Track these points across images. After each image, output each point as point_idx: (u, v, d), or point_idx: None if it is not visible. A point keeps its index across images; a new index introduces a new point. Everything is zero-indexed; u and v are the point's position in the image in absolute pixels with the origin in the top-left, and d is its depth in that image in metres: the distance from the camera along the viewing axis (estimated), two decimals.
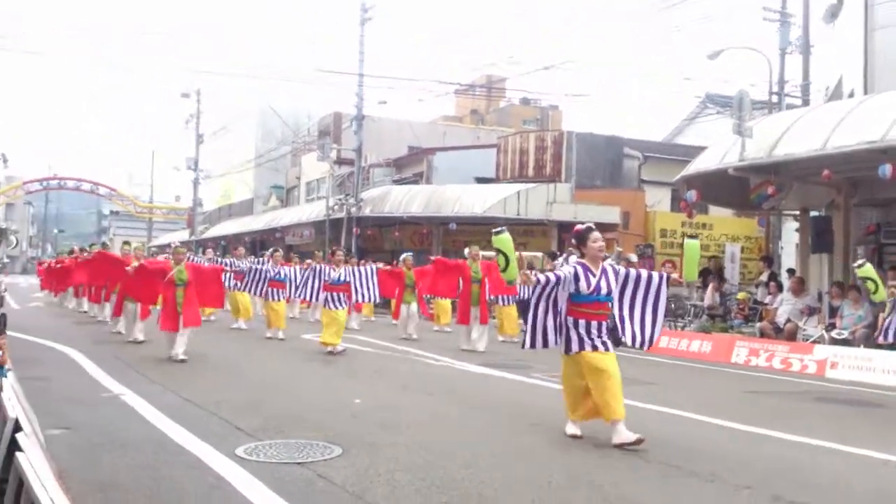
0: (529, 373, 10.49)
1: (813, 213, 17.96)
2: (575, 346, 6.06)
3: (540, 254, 21.65)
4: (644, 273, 6.40)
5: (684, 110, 41.68)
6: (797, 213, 18.81)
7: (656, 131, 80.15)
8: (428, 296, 16.51)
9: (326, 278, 12.16)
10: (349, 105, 30.07)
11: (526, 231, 26.26)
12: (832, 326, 12.97)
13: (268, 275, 14.73)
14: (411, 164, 33.34)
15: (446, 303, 17.26)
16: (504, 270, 6.55)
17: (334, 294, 12.04)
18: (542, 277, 6.10)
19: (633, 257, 14.42)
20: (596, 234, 6.16)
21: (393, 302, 16.56)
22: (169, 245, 22.42)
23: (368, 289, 12.51)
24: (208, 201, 52.95)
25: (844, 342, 12.39)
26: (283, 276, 14.56)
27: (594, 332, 6.05)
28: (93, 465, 5.14)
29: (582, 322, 6.08)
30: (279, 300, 14.54)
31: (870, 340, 12.16)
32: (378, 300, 13.71)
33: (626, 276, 6.31)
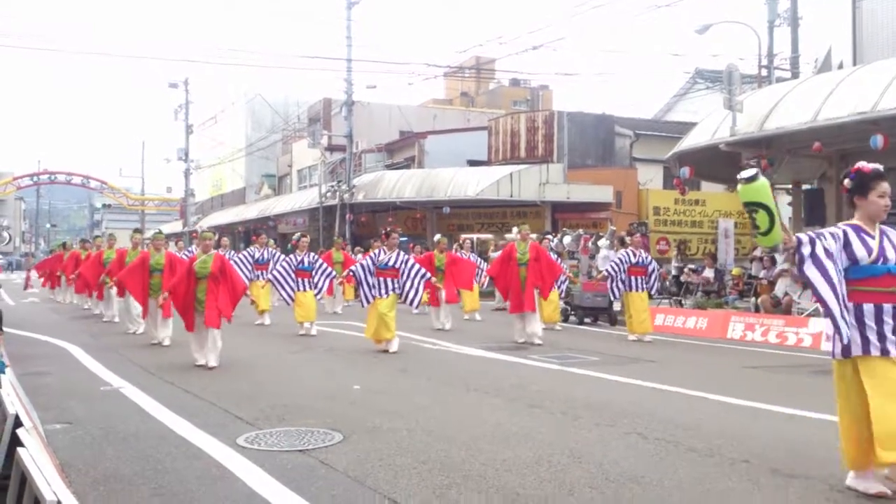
0: (527, 354, 10.55)
1: (805, 187, 18.03)
2: (858, 348, 4.19)
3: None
4: None
5: (674, 86, 41.73)
6: (789, 186, 18.89)
7: (647, 108, 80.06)
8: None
9: (375, 262, 10.88)
10: (338, 91, 30.01)
11: (519, 212, 26.33)
12: None
13: (293, 264, 13.40)
14: (403, 149, 33.26)
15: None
16: (767, 233, 4.23)
17: (379, 280, 10.75)
18: (802, 237, 4.26)
19: (628, 239, 14.43)
20: (885, 187, 4.29)
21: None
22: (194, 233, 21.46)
23: (416, 288, 10.89)
24: (200, 191, 52.82)
25: None
26: (307, 264, 13.36)
27: (889, 322, 4.17)
28: (95, 458, 5.16)
29: (869, 308, 4.20)
30: (306, 290, 13.24)
31: None
32: (420, 300, 11.74)
33: None
